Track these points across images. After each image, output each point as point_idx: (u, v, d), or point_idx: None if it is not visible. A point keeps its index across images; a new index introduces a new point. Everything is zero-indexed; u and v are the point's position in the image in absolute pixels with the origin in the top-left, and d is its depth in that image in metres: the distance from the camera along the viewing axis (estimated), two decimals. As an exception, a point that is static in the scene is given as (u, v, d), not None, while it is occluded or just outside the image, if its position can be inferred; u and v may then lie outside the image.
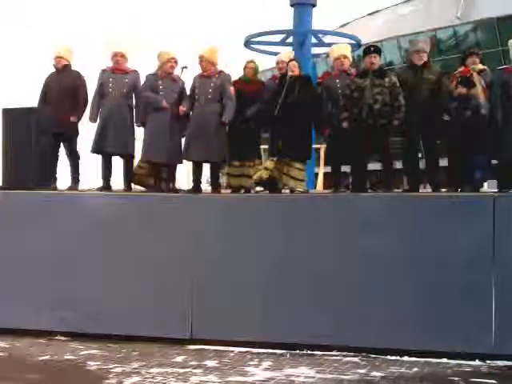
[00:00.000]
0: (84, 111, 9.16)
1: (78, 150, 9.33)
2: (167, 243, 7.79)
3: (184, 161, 8.97)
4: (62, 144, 9.25)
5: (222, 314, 7.57)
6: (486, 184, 8.92)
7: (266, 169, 8.40)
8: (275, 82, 9.01)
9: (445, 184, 8.46)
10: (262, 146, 9.38)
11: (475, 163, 8.29)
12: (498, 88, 8.16)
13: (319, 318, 7.28)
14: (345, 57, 8.79)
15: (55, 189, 9.06)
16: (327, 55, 10.83)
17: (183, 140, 8.84)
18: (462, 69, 8.39)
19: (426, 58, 8.40)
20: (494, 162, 8.46)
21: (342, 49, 9.00)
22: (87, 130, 9.34)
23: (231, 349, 7.35)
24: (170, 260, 7.75)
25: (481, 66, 8.58)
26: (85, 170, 9.45)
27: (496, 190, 8.14)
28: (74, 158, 9.29)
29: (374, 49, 8.37)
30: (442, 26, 30.87)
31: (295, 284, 7.43)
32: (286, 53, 9.97)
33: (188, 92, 8.88)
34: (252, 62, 9.18)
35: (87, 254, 7.98)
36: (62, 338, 7.86)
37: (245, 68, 9.12)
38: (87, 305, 7.86)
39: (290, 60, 8.76)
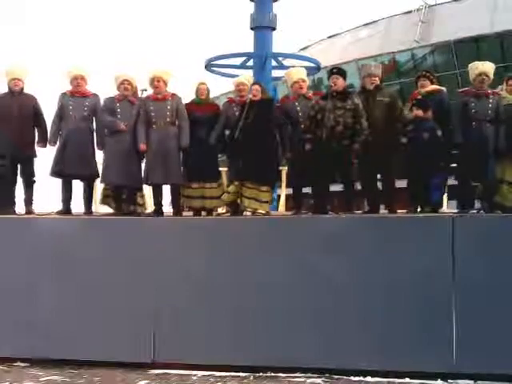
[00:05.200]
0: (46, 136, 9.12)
1: (34, 172, 9.24)
2: (128, 267, 7.71)
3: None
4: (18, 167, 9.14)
5: (183, 338, 7.52)
6: (445, 204, 9.02)
7: (227, 193, 8.46)
8: (231, 104, 8.99)
9: (404, 205, 8.53)
10: (221, 168, 9.38)
11: (433, 184, 8.38)
12: (457, 110, 8.28)
13: (282, 340, 7.27)
14: (303, 80, 8.86)
15: (14, 213, 8.94)
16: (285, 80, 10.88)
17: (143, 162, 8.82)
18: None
19: (377, 82, 8.51)
20: (454, 182, 8.57)
21: (300, 72, 9.07)
22: (43, 153, 9.29)
23: (194, 372, 7.28)
24: (131, 284, 7.68)
25: (431, 88, 8.72)
26: (40, 193, 9.36)
27: (455, 211, 8.24)
28: (30, 180, 9.19)
29: (336, 70, 8.44)
30: (400, 49, 31.27)
31: (257, 306, 7.42)
32: (246, 76, 9.95)
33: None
34: (203, 83, 9.13)
35: (46, 279, 7.85)
36: (22, 364, 7.71)
37: (197, 90, 9.06)
38: (47, 330, 7.73)
39: (253, 84, 8.81)
